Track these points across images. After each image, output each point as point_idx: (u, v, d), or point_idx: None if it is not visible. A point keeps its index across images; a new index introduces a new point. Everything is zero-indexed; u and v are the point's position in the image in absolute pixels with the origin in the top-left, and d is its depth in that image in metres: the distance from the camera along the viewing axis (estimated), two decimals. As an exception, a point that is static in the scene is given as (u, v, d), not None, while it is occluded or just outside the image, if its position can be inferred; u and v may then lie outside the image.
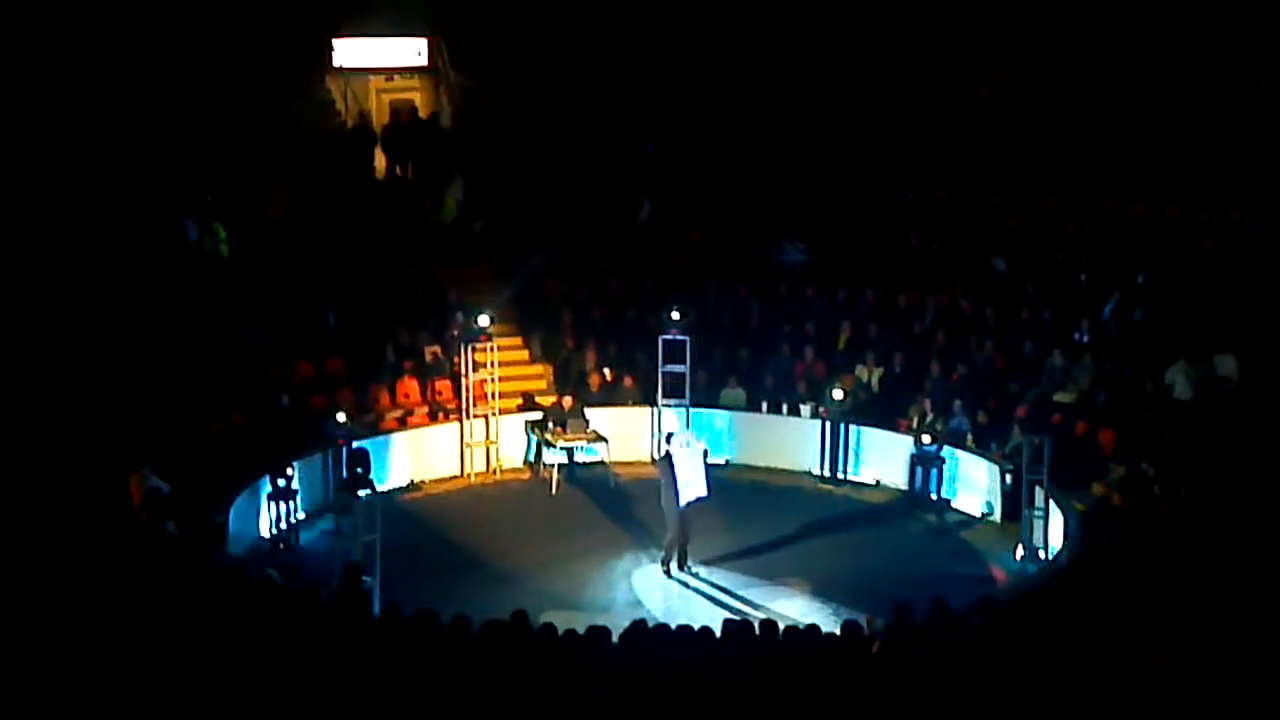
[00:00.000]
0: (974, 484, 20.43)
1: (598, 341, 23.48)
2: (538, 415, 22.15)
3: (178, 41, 24.82)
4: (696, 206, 26.35)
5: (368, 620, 13.23)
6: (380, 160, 27.07)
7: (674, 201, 26.28)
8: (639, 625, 12.36)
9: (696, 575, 18.09)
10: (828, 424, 21.76)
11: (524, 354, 23.75)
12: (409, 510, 20.21)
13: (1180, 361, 20.52)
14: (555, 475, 21.18)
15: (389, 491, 20.16)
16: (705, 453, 18.40)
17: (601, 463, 21.63)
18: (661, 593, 17.74)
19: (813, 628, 12.79)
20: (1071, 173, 25.34)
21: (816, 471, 21.90)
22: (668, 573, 18.13)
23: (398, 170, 26.93)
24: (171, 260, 22.15)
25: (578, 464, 21.75)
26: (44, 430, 17.14)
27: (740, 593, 17.60)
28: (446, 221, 25.65)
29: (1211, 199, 24.08)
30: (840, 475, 21.73)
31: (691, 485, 18.09)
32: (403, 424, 21.64)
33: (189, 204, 22.99)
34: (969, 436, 20.92)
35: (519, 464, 22.22)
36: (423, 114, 27.86)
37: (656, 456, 20.61)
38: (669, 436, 18.78)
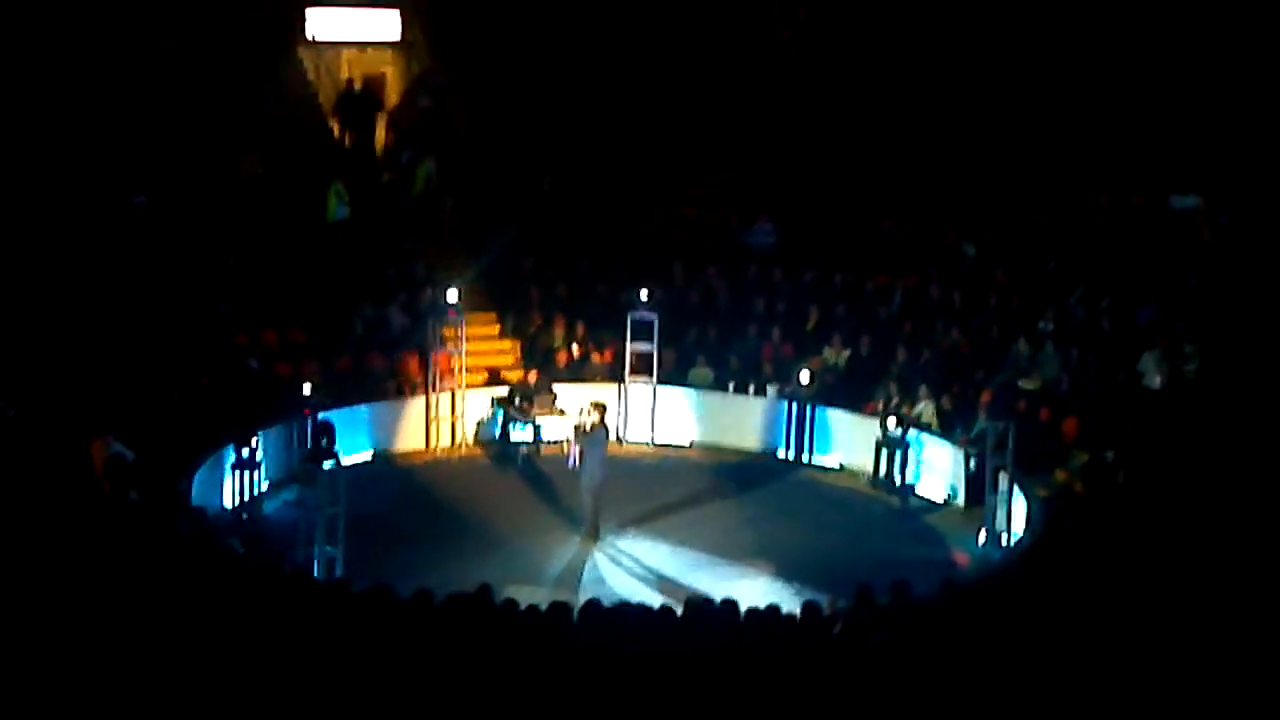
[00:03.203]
0: (938, 469, 20.51)
1: (566, 318, 23.45)
2: (504, 391, 22.11)
3: (152, 12, 24.63)
4: (666, 187, 26.29)
5: (328, 592, 13.19)
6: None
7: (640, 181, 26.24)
8: (596, 603, 12.30)
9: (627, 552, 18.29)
10: (794, 406, 21.79)
11: (493, 329, 23.67)
12: (373, 482, 20.09)
13: (1156, 350, 20.63)
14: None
15: (353, 464, 20.08)
16: (593, 429, 18.81)
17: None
18: (624, 569, 17.75)
19: (774, 608, 12.79)
20: (1044, 162, 25.36)
21: (782, 453, 21.94)
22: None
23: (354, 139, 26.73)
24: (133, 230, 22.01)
25: (543, 441, 21.68)
26: (8, 395, 17.04)
27: (702, 572, 17.59)
28: (416, 195, 25.55)
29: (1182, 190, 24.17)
30: (805, 457, 21.76)
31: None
32: (369, 396, 21.55)
33: (148, 178, 22.84)
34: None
35: (481, 439, 22.15)
36: (396, 87, 27.74)
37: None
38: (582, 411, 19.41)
